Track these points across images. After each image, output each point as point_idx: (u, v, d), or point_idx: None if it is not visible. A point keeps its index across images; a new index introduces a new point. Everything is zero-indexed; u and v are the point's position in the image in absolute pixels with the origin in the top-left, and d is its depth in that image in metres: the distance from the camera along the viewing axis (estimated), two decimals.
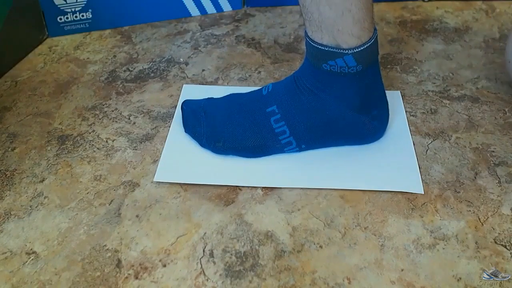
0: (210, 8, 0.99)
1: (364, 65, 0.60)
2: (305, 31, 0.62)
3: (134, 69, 0.85)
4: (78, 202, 0.61)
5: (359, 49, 0.59)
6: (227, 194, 0.62)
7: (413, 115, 0.73)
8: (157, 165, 0.65)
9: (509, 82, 0.78)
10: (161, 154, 0.67)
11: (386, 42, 0.90)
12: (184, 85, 0.80)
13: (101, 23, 0.94)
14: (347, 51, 0.59)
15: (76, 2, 0.90)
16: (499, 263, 0.54)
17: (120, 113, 0.75)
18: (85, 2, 0.91)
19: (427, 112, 0.74)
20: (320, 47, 0.60)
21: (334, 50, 0.59)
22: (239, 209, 0.60)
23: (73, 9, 0.91)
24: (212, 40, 0.92)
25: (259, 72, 0.83)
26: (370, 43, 0.59)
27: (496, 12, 0.99)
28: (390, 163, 0.65)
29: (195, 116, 0.69)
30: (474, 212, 0.59)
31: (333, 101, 0.63)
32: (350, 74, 0.60)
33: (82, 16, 0.92)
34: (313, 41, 0.60)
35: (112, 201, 0.62)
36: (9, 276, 0.53)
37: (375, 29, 0.61)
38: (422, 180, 0.63)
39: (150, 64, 0.86)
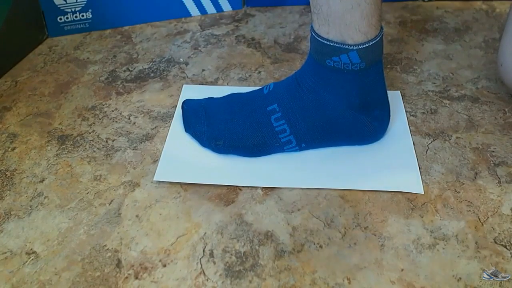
0: (210, 8, 0.99)
1: (368, 63, 0.60)
2: (311, 26, 0.62)
3: (134, 69, 0.85)
4: (78, 202, 0.61)
5: (364, 46, 0.59)
6: (227, 194, 0.62)
7: (413, 115, 0.73)
8: (157, 165, 0.65)
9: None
10: (161, 154, 0.67)
11: (386, 42, 0.90)
12: (184, 85, 0.80)
13: (101, 23, 0.94)
14: (352, 47, 0.59)
15: (76, 2, 0.90)
16: (499, 263, 0.54)
17: (120, 113, 0.75)
18: (85, 2, 0.91)
19: (427, 112, 0.74)
20: (325, 42, 0.60)
21: (340, 45, 0.59)
22: (239, 209, 0.60)
23: (73, 9, 0.91)
24: (212, 40, 0.92)
25: (259, 72, 0.83)
26: (375, 41, 0.59)
27: (496, 12, 0.99)
28: (390, 163, 0.65)
29: (196, 115, 0.69)
30: (474, 212, 0.59)
31: (333, 99, 0.63)
32: (353, 71, 0.60)
33: (82, 16, 0.92)
34: (319, 35, 0.60)
35: (112, 201, 0.62)
36: (9, 276, 0.53)
37: (381, 28, 0.61)
38: (422, 180, 0.63)
39: (150, 64, 0.86)
